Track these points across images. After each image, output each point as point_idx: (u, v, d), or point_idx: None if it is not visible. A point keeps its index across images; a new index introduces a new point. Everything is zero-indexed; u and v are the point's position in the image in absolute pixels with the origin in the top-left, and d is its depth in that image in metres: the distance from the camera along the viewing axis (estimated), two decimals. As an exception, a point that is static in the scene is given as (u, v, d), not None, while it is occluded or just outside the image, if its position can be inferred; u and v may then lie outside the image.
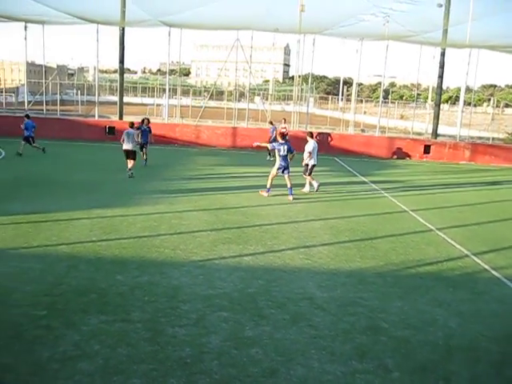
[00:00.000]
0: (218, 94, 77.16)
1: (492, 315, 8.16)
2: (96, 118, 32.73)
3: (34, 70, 78.59)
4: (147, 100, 70.56)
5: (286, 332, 6.99)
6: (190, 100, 50.07)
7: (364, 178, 21.54)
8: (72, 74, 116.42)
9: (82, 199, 14.62)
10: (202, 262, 9.62)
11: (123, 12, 29.41)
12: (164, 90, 43.52)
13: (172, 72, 40.21)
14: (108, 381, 5.61)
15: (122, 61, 32.01)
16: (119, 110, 32.27)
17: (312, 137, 18.07)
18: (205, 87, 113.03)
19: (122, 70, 33.19)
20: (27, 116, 24.63)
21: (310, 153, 17.42)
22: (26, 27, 33.20)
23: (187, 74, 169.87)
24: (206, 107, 34.65)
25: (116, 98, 37.09)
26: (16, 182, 17.04)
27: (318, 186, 17.80)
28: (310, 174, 17.69)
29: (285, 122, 26.91)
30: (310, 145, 17.58)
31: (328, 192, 18.06)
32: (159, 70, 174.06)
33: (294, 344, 6.67)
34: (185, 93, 51.59)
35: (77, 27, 33.75)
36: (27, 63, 39.81)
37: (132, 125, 19.25)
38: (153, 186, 17.49)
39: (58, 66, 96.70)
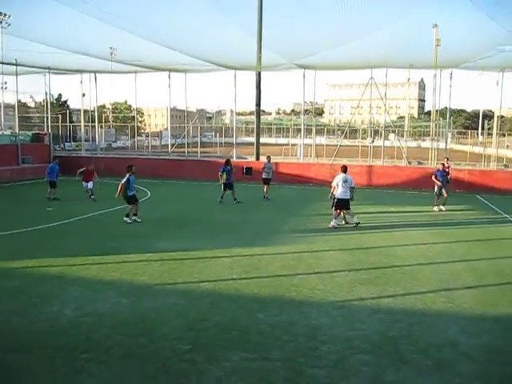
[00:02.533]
0: (352, 133, 77.06)
1: None
2: (234, 159, 33.94)
3: (175, 114, 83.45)
4: (282, 140, 72.08)
5: (428, 379, 6.72)
6: (324, 139, 50.53)
7: (510, 217, 20.27)
8: (210, 118, 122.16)
9: (222, 238, 15.15)
10: (341, 302, 9.53)
11: (259, 57, 30.50)
12: (298, 130, 44.35)
13: (306, 112, 40.87)
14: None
15: (258, 104, 33.14)
16: (256, 151, 33.26)
17: (345, 171, 17.39)
18: (338, 126, 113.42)
19: (259, 113, 34.33)
20: (54, 159, 25.68)
21: (333, 186, 17.20)
22: (169, 76, 35.69)
23: (320, 113, 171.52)
24: (340, 146, 34.69)
25: (252, 139, 38.33)
26: (160, 221, 18.08)
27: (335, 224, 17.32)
28: (334, 208, 17.23)
29: (447, 161, 24.84)
30: (337, 178, 17.23)
31: (469, 231, 17.23)
32: (293, 111, 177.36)
33: (439, 393, 6.40)
34: (319, 132, 52.18)
35: (215, 73, 35.74)
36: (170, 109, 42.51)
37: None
38: (290, 225, 17.76)
39: (197, 110, 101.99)
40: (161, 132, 73.90)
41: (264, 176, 23.91)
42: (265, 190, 23.78)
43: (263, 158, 32.00)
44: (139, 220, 17.60)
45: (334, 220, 17.10)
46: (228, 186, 22.49)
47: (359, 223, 17.28)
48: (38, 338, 7.79)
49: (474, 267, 12.44)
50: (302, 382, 6.52)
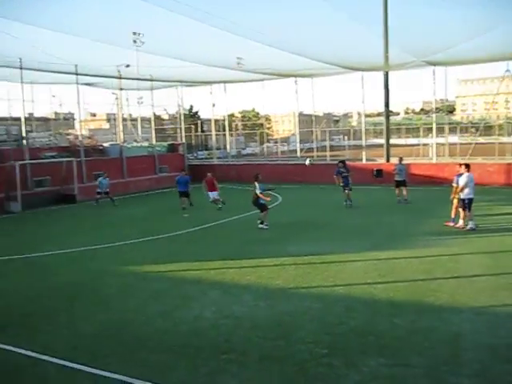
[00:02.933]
0: (487, 129, 73.12)
1: None
2: (363, 161, 33.53)
3: (302, 119, 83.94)
4: (411, 140, 69.94)
5: None
6: (456, 138, 48.39)
7: None
8: (337, 121, 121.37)
9: (355, 241, 15.04)
10: (483, 308, 9.07)
11: (386, 57, 29.86)
12: (428, 130, 42.80)
13: (436, 110, 39.47)
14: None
15: (386, 104, 32.49)
16: (386, 152, 32.59)
17: (468, 169, 16.20)
18: (472, 123, 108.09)
19: (388, 113, 33.65)
20: (181, 171, 26.20)
21: (462, 187, 16.06)
22: (296, 81, 36.02)
23: (452, 110, 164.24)
24: (475, 144, 33.03)
25: (381, 141, 37.58)
26: (291, 225, 18.32)
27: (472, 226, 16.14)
28: (470, 210, 16.14)
29: None
30: (464, 178, 16.04)
31: None
32: (422, 110, 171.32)
33: None
34: (451, 130, 50.01)
35: (340, 76, 35.61)
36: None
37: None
38: (425, 228, 17.18)
39: (324, 114, 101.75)
40: (288, 137, 74.56)
41: (396, 178, 23.00)
42: (397, 192, 22.92)
43: (393, 160, 31.30)
44: (266, 227, 17.86)
45: (471, 221, 16.31)
46: (344, 187, 22.09)
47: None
48: (181, 339, 8.19)
49: None
50: (445, 391, 6.30)
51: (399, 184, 22.81)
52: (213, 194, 22.82)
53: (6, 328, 9.09)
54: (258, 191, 17.80)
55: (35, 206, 25.55)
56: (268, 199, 18.00)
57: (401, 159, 23.81)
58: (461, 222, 16.46)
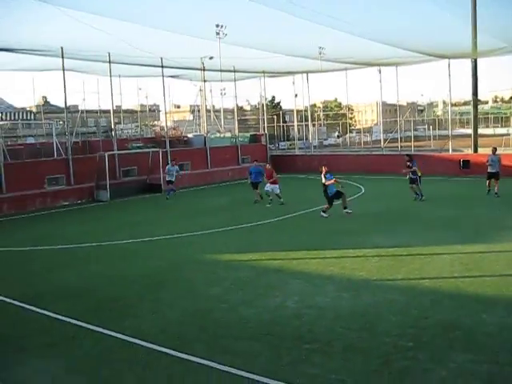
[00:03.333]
0: None
1: None
2: (450, 152, 32.55)
3: (385, 109, 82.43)
4: (500, 130, 67.37)
5: None
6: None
7: None
8: (421, 110, 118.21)
9: (440, 234, 14.65)
10: None
11: (475, 43, 28.76)
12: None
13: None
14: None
15: (475, 93, 31.33)
16: (473, 142, 31.46)
17: None
18: None
19: (476, 103, 32.47)
20: (256, 161, 24.92)
21: None
22: (380, 70, 35.34)
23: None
24: None
25: (467, 131, 36.45)
26: (374, 216, 18.08)
27: None
28: None
29: None
30: None
31: None
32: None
33: None
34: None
35: (424, 65, 34.70)
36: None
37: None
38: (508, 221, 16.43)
39: (407, 104, 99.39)
40: (371, 127, 73.48)
41: (489, 170, 21.66)
42: (488, 184, 21.74)
43: (481, 150, 30.24)
44: (325, 215, 17.88)
45: None
46: (411, 180, 21.18)
47: None
48: (263, 328, 8.29)
49: None
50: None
51: (491, 176, 21.59)
52: (269, 187, 21.83)
53: (97, 310, 9.52)
54: (323, 180, 17.89)
55: (123, 194, 26.49)
56: (333, 181, 17.88)
57: (494, 150, 22.44)
58: None
